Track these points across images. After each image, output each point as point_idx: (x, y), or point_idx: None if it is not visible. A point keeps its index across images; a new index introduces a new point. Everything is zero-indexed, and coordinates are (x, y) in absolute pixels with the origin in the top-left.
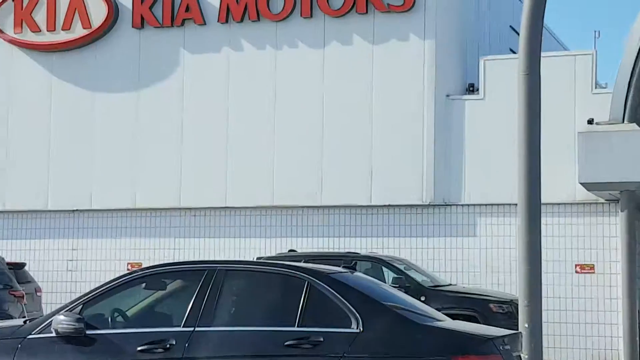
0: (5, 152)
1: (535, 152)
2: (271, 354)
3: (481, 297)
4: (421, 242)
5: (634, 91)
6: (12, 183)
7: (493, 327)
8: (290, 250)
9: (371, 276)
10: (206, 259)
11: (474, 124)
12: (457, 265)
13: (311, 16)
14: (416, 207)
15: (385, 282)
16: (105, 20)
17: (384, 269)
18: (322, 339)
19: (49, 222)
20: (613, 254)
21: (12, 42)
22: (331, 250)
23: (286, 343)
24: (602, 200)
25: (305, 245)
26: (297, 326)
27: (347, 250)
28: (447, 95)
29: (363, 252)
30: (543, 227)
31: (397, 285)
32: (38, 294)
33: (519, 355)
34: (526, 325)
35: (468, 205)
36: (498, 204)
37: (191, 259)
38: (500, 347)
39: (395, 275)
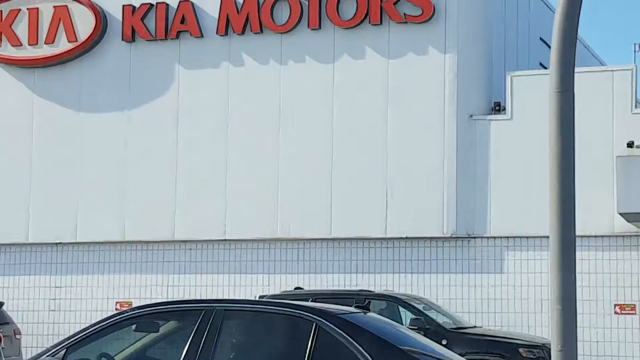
0: None
1: (569, 179)
2: None
3: (509, 341)
4: (442, 278)
5: None
6: None
7: None
8: (297, 288)
9: (386, 317)
10: (203, 297)
11: (501, 147)
12: (483, 305)
13: (319, 27)
14: (437, 239)
15: (402, 324)
16: (92, 33)
17: (401, 309)
18: None
19: (30, 257)
20: None
21: None
22: (342, 288)
23: None
24: None
25: (313, 282)
26: None
27: (359, 288)
28: (471, 115)
29: (377, 290)
30: (578, 262)
31: (415, 327)
32: (17, 336)
33: None
34: None
35: (494, 237)
36: (527, 237)
37: (186, 297)
38: None
39: (414, 316)
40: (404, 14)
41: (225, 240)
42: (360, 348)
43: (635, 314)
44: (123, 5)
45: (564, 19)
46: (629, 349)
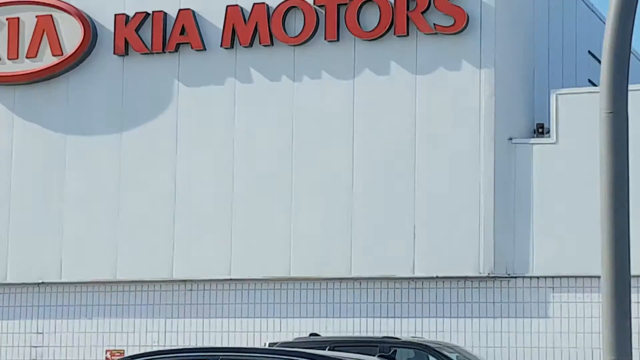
0: None
1: (623, 211)
2: None
3: None
4: (478, 324)
5: None
6: None
7: None
8: (312, 334)
9: None
10: (205, 345)
11: (545, 174)
12: (524, 354)
13: (338, 39)
14: (472, 279)
15: None
16: (80, 46)
17: (431, 358)
18: None
19: (8, 299)
20: None
21: None
22: (364, 335)
23: None
24: None
25: (331, 327)
26: None
27: (384, 335)
28: (510, 139)
29: (404, 336)
30: (634, 305)
31: None
32: None
33: None
34: None
35: (537, 277)
36: (575, 277)
37: (186, 345)
38: None
39: None
40: (434, 24)
41: (230, 280)
42: None
43: None
44: (115, 15)
45: (615, 33)
46: None
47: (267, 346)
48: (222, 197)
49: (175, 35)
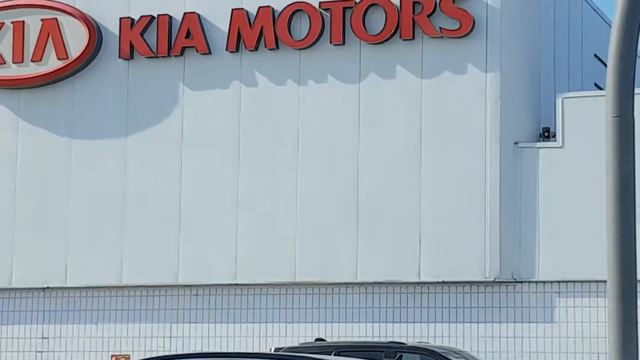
0: None
1: (629, 215)
2: None
3: None
4: (484, 328)
5: None
6: None
7: None
8: (318, 339)
9: None
10: (211, 350)
11: (551, 178)
12: (530, 359)
13: (343, 43)
14: (477, 284)
15: None
16: (85, 50)
17: None
18: None
19: (13, 304)
20: None
21: None
22: (370, 340)
23: None
24: None
25: (337, 332)
26: None
27: (390, 340)
28: (516, 143)
29: (410, 341)
30: None
31: None
32: None
33: None
34: None
35: (544, 282)
36: (582, 281)
37: (192, 350)
38: None
39: None
40: (440, 27)
41: (236, 285)
42: None
43: None
44: (120, 18)
45: (621, 36)
46: None
47: (273, 351)
48: (228, 201)
49: (180, 39)
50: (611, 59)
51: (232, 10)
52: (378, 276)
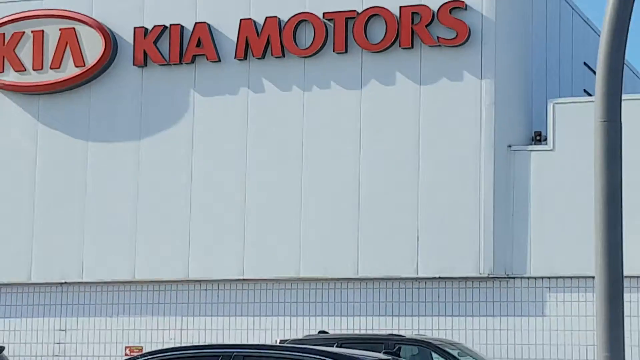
0: None
1: (615, 214)
2: None
3: None
4: (478, 322)
5: None
6: None
7: None
8: (321, 332)
9: None
10: (219, 342)
11: (542, 179)
12: (522, 351)
13: (346, 51)
14: (472, 280)
15: None
16: (101, 57)
17: (434, 355)
18: None
19: (33, 298)
20: None
21: None
22: (370, 332)
23: None
24: None
25: (339, 325)
26: None
27: (389, 332)
28: (509, 146)
29: (408, 334)
30: (626, 304)
31: None
32: None
33: None
34: None
35: (535, 278)
36: (571, 277)
37: (202, 342)
38: None
39: None
40: (437, 37)
41: (243, 280)
42: None
43: None
44: (134, 28)
45: (609, 45)
46: None
47: (278, 343)
48: (236, 201)
49: (191, 47)
50: (600, 67)
51: (241, 20)
52: (378, 272)
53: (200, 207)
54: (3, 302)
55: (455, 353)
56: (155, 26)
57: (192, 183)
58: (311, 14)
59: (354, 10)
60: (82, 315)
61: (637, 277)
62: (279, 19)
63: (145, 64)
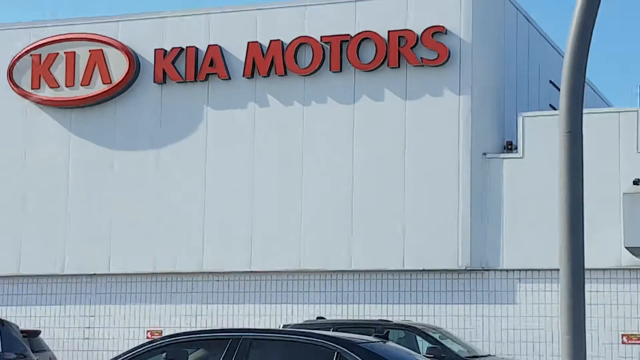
0: (21, 213)
1: (578, 215)
2: None
3: None
4: (457, 309)
5: None
6: (28, 246)
7: None
8: (319, 318)
9: (404, 346)
10: (230, 326)
11: (513, 183)
12: (496, 334)
13: (341, 70)
14: (452, 272)
15: (419, 352)
16: (125, 75)
17: (418, 338)
18: None
19: (66, 287)
20: None
21: (29, 97)
22: (362, 318)
23: None
24: None
25: (335, 312)
26: None
27: (379, 318)
28: (484, 154)
29: (396, 319)
30: (587, 294)
31: (431, 356)
32: None
33: None
34: None
35: (507, 270)
36: (539, 269)
37: (214, 326)
38: None
39: (430, 345)
40: (421, 57)
41: (250, 272)
42: None
43: None
44: (155, 49)
45: (572, 65)
46: None
47: (281, 327)
48: (244, 203)
49: (205, 67)
50: (564, 84)
51: (248, 42)
52: (369, 265)
53: (213, 208)
54: (40, 291)
55: (436, 336)
56: (173, 48)
57: (205, 186)
58: (310, 37)
59: (348, 34)
60: (109, 303)
61: (597, 269)
62: (282, 41)
63: (164, 82)
